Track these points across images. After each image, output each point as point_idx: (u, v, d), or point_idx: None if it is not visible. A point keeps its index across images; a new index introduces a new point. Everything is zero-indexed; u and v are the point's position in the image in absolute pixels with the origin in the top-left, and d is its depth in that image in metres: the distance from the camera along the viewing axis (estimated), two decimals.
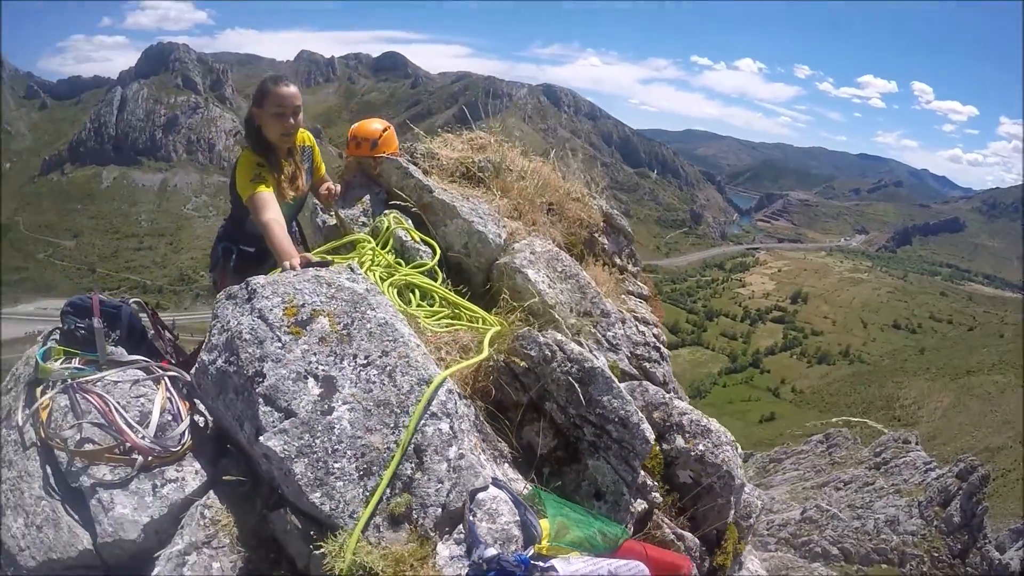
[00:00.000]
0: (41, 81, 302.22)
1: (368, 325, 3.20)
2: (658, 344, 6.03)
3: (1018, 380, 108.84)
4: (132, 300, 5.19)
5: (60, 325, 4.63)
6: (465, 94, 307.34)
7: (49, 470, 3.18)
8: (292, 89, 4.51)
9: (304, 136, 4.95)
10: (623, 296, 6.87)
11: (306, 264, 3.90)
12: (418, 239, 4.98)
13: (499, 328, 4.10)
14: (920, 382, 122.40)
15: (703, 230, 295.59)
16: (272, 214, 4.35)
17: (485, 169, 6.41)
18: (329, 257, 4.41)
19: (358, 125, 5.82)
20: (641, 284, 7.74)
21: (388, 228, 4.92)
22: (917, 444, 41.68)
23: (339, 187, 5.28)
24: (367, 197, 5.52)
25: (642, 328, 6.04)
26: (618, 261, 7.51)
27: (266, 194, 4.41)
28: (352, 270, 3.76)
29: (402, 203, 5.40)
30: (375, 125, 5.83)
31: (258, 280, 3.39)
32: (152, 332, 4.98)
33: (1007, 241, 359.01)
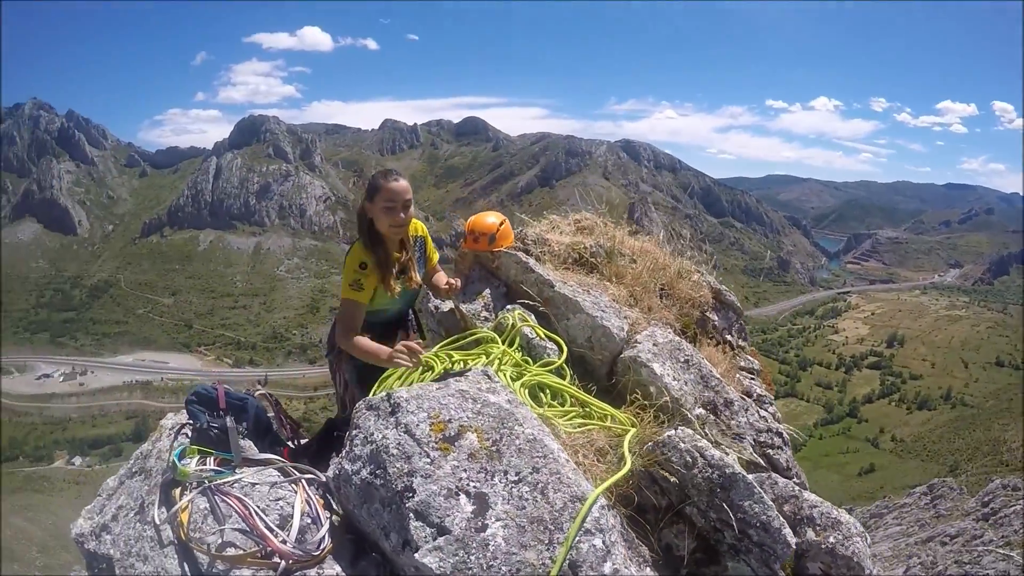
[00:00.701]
0: (142, 151, 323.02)
1: (517, 441, 3.26)
2: (779, 429, 5.94)
3: None
4: (257, 392, 5.35)
5: (189, 420, 4.79)
6: (545, 154, 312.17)
7: (187, 569, 3.25)
8: (402, 183, 4.65)
9: (416, 226, 5.06)
10: (737, 375, 6.80)
11: (408, 351, 4.10)
12: (543, 336, 5.01)
13: (635, 431, 4.11)
14: None
15: (791, 277, 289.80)
16: (355, 328, 4.60)
17: (597, 255, 6.48)
18: (457, 356, 4.53)
19: (475, 219, 5.91)
20: (751, 358, 7.66)
21: (514, 326, 4.98)
22: None
23: (458, 281, 5.35)
24: (487, 291, 5.63)
25: (763, 413, 5.97)
26: (729, 337, 7.46)
27: (357, 306, 4.64)
28: (489, 377, 3.85)
29: (524, 298, 5.49)
30: (491, 219, 5.92)
31: (401, 394, 3.48)
32: (275, 421, 5.14)
33: None
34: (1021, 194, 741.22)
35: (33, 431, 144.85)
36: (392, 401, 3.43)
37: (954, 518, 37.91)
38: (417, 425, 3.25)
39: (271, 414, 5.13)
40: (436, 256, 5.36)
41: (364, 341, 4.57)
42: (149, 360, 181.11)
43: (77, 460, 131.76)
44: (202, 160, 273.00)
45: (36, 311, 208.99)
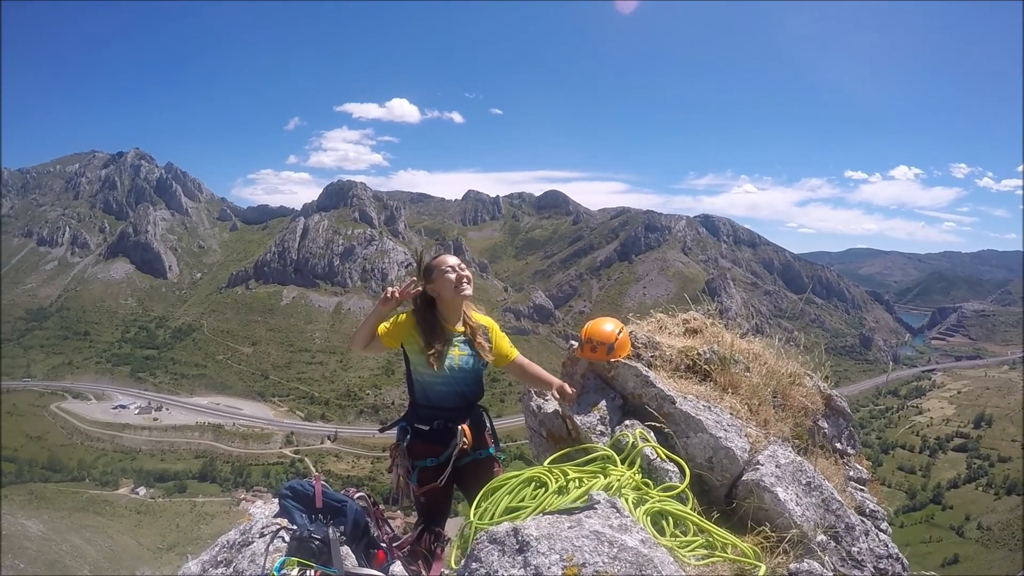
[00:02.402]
0: (233, 207, 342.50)
1: None
2: (898, 554, 5.66)
3: None
4: (357, 495, 5.29)
5: (284, 517, 4.74)
6: (625, 228, 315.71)
7: None
8: (456, 259, 5.21)
9: (481, 318, 5.45)
10: (849, 488, 6.55)
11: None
12: (664, 456, 4.90)
13: (764, 570, 3.92)
14: None
15: (874, 355, 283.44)
16: (364, 337, 5.17)
17: (711, 361, 6.32)
18: (572, 473, 4.39)
19: (591, 327, 5.81)
20: (860, 467, 7.48)
21: (635, 445, 4.87)
22: None
23: (574, 391, 5.30)
24: (603, 403, 5.50)
25: (882, 536, 5.70)
26: (838, 445, 7.25)
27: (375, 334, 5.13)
28: (618, 511, 3.70)
29: (642, 412, 5.39)
30: (609, 327, 5.79)
31: (531, 531, 3.34)
32: (373, 524, 5.07)
33: None
34: None
35: (102, 456, 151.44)
36: (520, 538, 3.27)
37: None
38: (549, 568, 3.06)
39: (369, 519, 5.09)
40: (514, 353, 5.56)
41: (369, 320, 5.15)
42: (223, 404, 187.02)
43: (141, 490, 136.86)
44: (290, 219, 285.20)
45: (120, 344, 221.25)
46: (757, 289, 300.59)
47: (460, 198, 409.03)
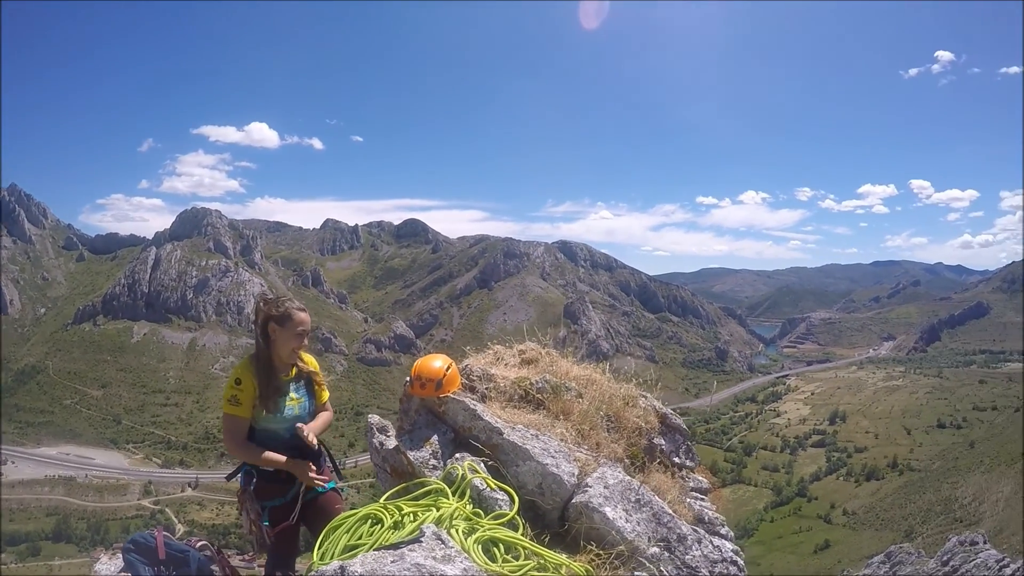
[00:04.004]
0: (80, 234, 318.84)
1: None
2: (734, 557, 5.92)
3: None
4: (199, 543, 5.20)
5: (126, 572, 4.62)
6: (484, 256, 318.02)
7: None
8: (307, 314, 5.25)
9: (310, 360, 5.51)
10: (687, 499, 6.80)
11: (294, 467, 4.94)
12: (494, 486, 4.98)
13: None
14: (976, 477, 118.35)
15: (730, 365, 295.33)
16: (240, 437, 5.06)
17: (543, 390, 6.48)
18: (407, 508, 4.47)
19: (421, 364, 5.89)
20: (700, 478, 7.75)
21: (464, 477, 4.94)
22: (986, 543, 39.65)
23: (311, 436, 5.23)
24: (435, 437, 5.58)
25: (716, 542, 5.95)
26: (676, 460, 7.51)
27: (237, 420, 5.06)
28: (443, 542, 3.81)
29: (473, 444, 5.47)
30: (437, 363, 5.88)
31: (356, 569, 3.42)
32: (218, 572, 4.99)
33: None
34: (944, 263, 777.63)
35: None
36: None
37: None
38: None
39: (214, 567, 5.02)
40: (326, 395, 5.65)
41: (256, 448, 5.06)
42: (74, 454, 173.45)
43: None
44: (141, 249, 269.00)
45: None
46: (615, 311, 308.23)
47: (318, 227, 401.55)
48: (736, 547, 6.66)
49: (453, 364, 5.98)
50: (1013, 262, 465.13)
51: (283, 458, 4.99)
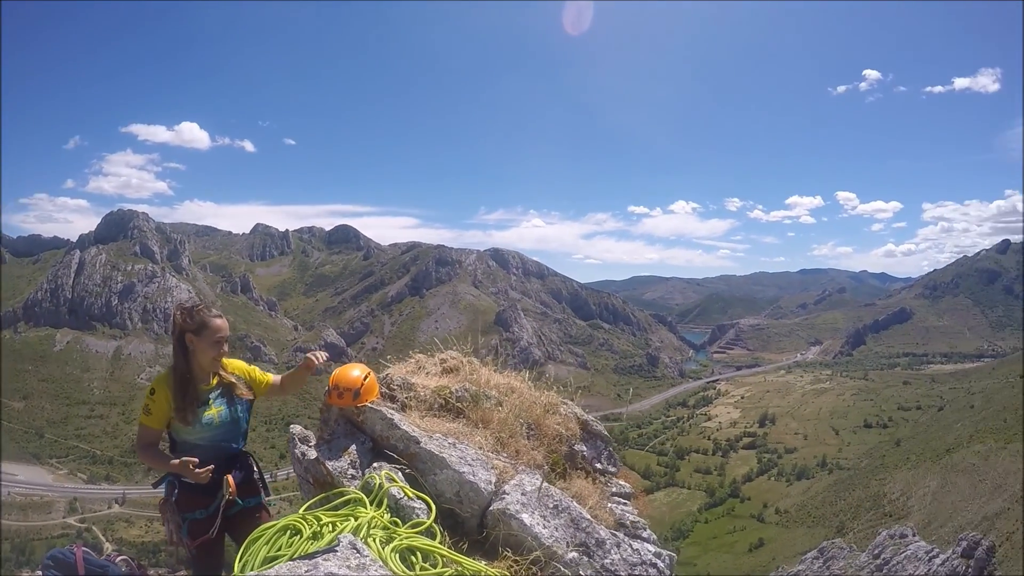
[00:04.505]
0: (1, 235, 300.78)
1: None
2: (654, 560, 6.03)
3: (999, 444, 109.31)
4: (119, 558, 5.13)
5: None
6: (416, 264, 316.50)
7: None
8: (225, 320, 5.19)
9: (230, 364, 5.42)
10: (609, 504, 6.89)
11: (179, 468, 4.80)
12: (411, 495, 4.99)
13: None
14: (903, 473, 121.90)
15: (661, 371, 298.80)
16: (147, 447, 5.09)
17: (463, 399, 6.52)
18: (325, 518, 4.45)
19: (338, 373, 5.87)
20: (623, 483, 7.80)
21: (381, 486, 4.94)
22: (915, 535, 41.06)
23: (323, 355, 5.63)
24: (353, 447, 5.55)
25: (635, 545, 6.05)
26: (598, 466, 7.57)
27: (148, 430, 5.07)
28: (358, 551, 3.83)
29: (392, 453, 5.46)
30: (355, 373, 5.85)
31: None
32: None
33: (954, 317, 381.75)
34: (868, 271, 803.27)
35: None
36: None
37: (849, 575, 39.15)
38: None
39: None
40: (268, 377, 5.69)
41: (158, 453, 5.08)
42: None
43: None
44: (64, 252, 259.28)
45: None
46: (547, 318, 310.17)
47: (248, 232, 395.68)
48: (658, 550, 6.76)
49: (372, 373, 5.98)
50: (935, 269, 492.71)
51: (175, 461, 4.89)
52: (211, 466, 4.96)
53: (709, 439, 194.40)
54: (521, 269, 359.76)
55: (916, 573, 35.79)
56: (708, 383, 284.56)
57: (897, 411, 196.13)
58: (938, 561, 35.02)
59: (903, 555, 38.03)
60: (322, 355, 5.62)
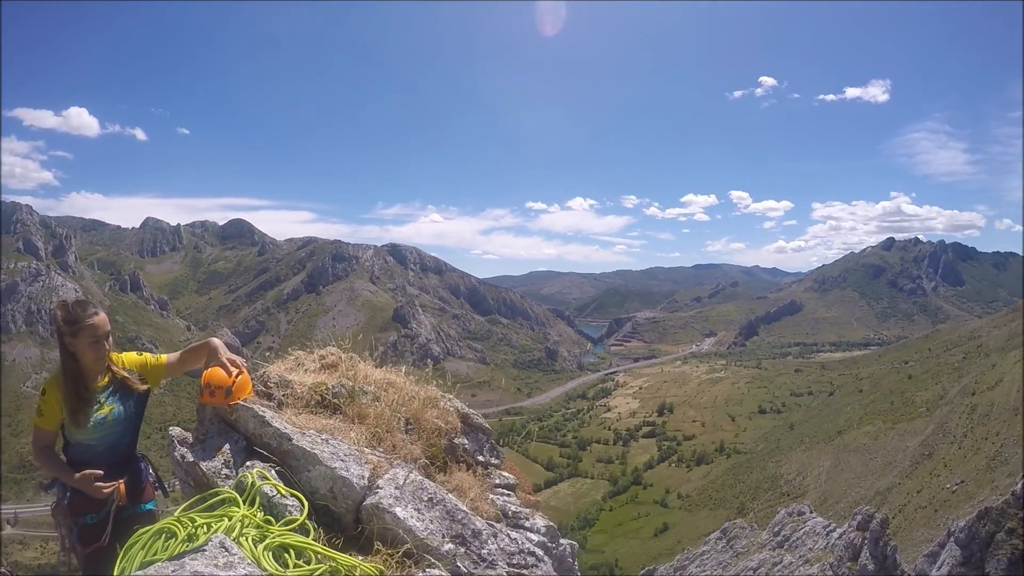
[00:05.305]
0: None
1: None
2: (533, 548, 6.14)
3: (887, 425, 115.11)
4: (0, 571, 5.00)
5: None
6: (312, 259, 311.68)
7: None
8: (102, 315, 5.00)
9: (121, 358, 5.33)
10: (491, 496, 7.00)
11: (78, 483, 4.73)
12: (285, 492, 4.98)
13: None
14: (798, 455, 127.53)
15: (560, 365, 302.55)
16: (42, 448, 4.99)
17: (340, 395, 6.54)
18: (200, 519, 4.43)
19: (209, 372, 5.75)
20: (506, 474, 7.90)
21: (253, 485, 4.92)
22: (812, 512, 43.10)
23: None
24: (227, 446, 5.50)
25: (514, 535, 6.15)
26: (480, 458, 7.68)
27: (42, 431, 4.96)
28: (227, 550, 3.82)
29: (265, 452, 5.44)
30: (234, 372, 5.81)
31: None
32: None
33: (842, 308, 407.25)
34: (760, 266, 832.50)
35: None
36: None
37: (752, 553, 40.64)
38: None
39: None
40: (162, 359, 5.62)
41: (55, 458, 4.96)
42: None
43: None
44: None
45: None
46: (445, 314, 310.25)
47: (138, 226, 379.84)
48: (542, 538, 6.93)
49: (244, 370, 5.94)
50: (824, 265, 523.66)
51: (73, 474, 4.80)
52: (117, 483, 4.95)
53: (610, 429, 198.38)
54: (419, 265, 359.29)
55: (815, 547, 37.56)
56: (606, 375, 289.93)
57: (790, 397, 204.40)
58: (835, 535, 36.80)
59: (802, 531, 39.85)
60: (228, 355, 5.63)
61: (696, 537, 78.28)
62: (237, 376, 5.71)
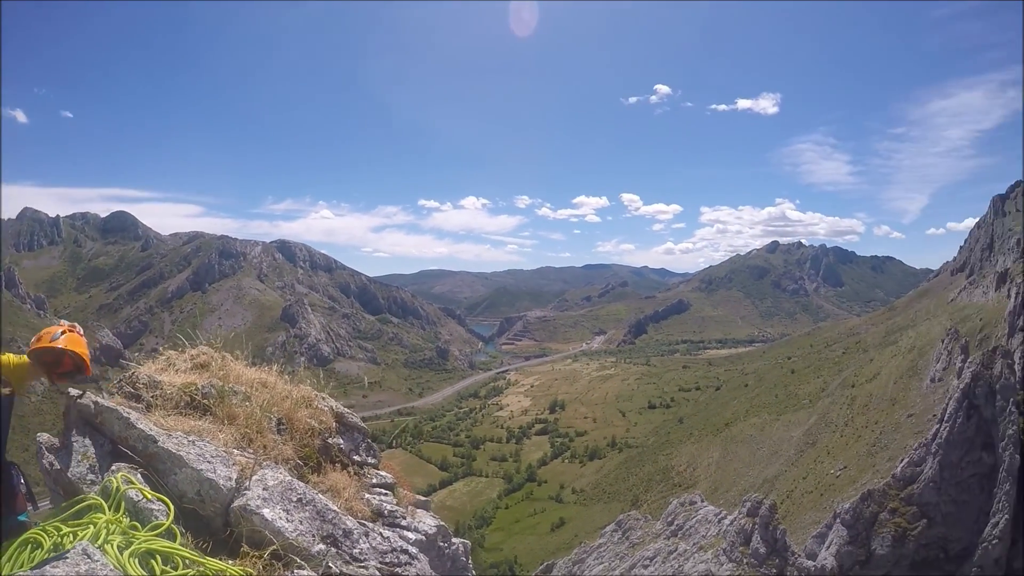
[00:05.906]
0: None
1: None
2: (406, 546, 6.21)
3: (772, 416, 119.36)
4: None
5: None
6: (198, 255, 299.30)
7: None
8: None
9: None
10: (367, 496, 7.05)
11: None
12: (151, 496, 4.89)
13: None
14: (688, 447, 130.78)
15: (452, 364, 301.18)
16: None
17: (209, 395, 6.47)
18: (66, 528, 4.38)
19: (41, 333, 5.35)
20: (384, 473, 7.93)
21: (118, 489, 4.82)
22: (703, 501, 44.44)
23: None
24: (92, 450, 5.35)
25: (387, 534, 6.21)
26: (356, 458, 7.70)
27: None
28: (89, 557, 3.78)
29: (131, 455, 5.34)
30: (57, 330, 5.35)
31: None
32: None
33: (727, 307, 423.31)
34: (649, 267, 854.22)
35: None
36: None
37: (647, 542, 41.54)
38: None
39: None
40: (23, 358, 5.16)
41: None
42: None
43: None
44: None
45: None
46: (335, 313, 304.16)
47: (14, 217, 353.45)
48: (420, 536, 7.03)
49: (76, 329, 5.46)
50: (711, 266, 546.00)
51: None
52: None
53: (502, 428, 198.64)
54: (309, 262, 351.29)
55: (708, 534, 38.87)
56: (498, 374, 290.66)
57: (678, 392, 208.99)
58: (727, 521, 38.18)
59: (695, 519, 41.16)
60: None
61: (592, 530, 79.38)
62: (62, 334, 5.27)
